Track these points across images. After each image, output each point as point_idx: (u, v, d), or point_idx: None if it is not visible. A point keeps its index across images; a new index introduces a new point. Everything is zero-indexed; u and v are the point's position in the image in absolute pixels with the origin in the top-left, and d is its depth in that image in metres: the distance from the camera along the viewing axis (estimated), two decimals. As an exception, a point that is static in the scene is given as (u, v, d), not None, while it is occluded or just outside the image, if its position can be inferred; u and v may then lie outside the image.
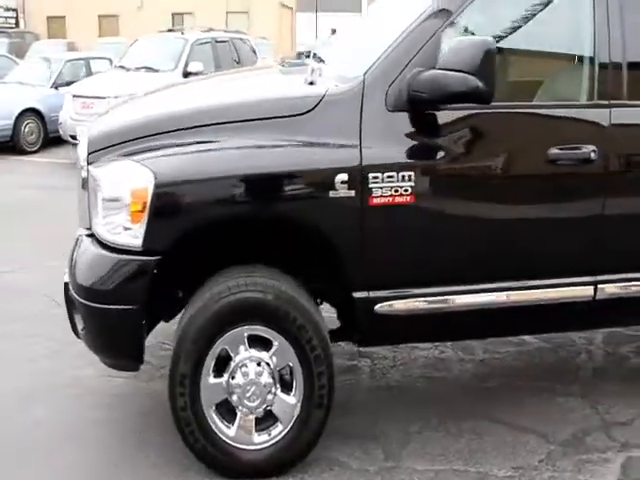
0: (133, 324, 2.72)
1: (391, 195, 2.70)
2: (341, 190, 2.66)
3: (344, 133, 2.70)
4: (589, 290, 3.03)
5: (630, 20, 2.96)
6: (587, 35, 2.98)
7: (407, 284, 2.86)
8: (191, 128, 2.73)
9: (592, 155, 2.89)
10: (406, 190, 2.72)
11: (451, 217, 2.85)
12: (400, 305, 2.85)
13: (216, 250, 2.91)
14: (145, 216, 2.62)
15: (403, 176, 2.71)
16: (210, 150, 2.68)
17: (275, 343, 2.74)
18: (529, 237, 2.96)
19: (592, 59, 2.99)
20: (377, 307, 2.82)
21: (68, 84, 11.87)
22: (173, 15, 29.37)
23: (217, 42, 12.28)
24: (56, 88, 12.20)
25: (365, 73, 2.77)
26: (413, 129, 2.77)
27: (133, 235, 2.65)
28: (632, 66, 2.97)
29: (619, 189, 2.99)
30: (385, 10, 3.63)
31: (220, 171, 2.66)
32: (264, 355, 2.75)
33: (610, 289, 3.05)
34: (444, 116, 2.77)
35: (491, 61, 2.57)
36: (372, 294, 2.81)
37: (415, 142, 2.78)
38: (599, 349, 4.14)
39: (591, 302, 3.05)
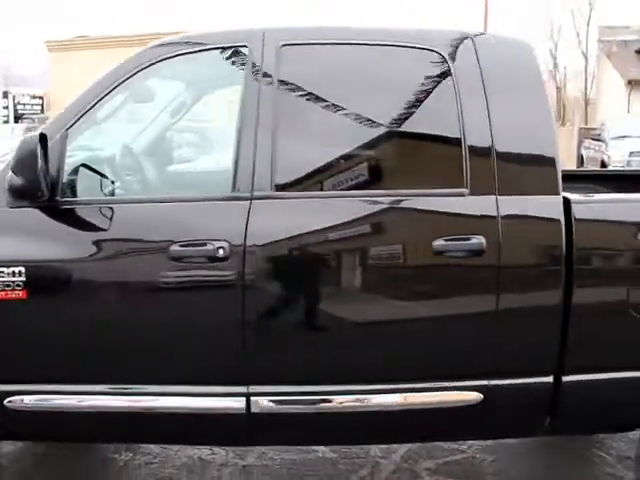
0: None
1: (3, 290, 2.69)
2: None
3: None
4: (241, 402, 2.75)
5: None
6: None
7: (32, 380, 2.80)
8: None
9: (221, 252, 2.63)
10: (18, 285, 2.69)
11: (64, 315, 2.77)
12: (22, 401, 2.79)
13: None
14: None
15: (14, 272, 2.69)
16: None
17: None
18: (153, 336, 2.80)
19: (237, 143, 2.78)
20: (5, 401, 2.78)
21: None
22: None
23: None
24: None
25: None
26: (25, 224, 2.76)
27: None
28: (282, 153, 2.75)
29: (254, 291, 2.70)
30: None
31: None
32: None
33: (264, 402, 2.75)
34: (52, 211, 2.73)
35: (29, 158, 2.56)
36: (1, 388, 2.79)
37: (25, 237, 2.76)
38: (391, 464, 3.75)
39: (246, 416, 2.77)
